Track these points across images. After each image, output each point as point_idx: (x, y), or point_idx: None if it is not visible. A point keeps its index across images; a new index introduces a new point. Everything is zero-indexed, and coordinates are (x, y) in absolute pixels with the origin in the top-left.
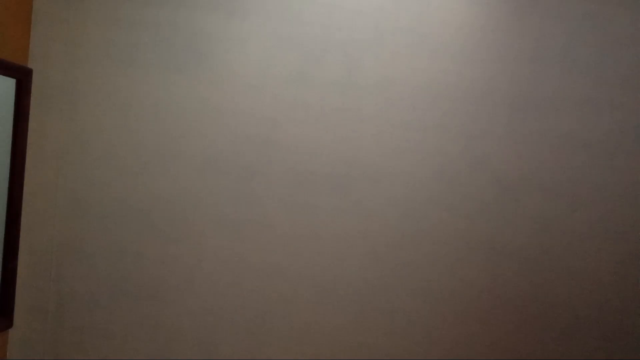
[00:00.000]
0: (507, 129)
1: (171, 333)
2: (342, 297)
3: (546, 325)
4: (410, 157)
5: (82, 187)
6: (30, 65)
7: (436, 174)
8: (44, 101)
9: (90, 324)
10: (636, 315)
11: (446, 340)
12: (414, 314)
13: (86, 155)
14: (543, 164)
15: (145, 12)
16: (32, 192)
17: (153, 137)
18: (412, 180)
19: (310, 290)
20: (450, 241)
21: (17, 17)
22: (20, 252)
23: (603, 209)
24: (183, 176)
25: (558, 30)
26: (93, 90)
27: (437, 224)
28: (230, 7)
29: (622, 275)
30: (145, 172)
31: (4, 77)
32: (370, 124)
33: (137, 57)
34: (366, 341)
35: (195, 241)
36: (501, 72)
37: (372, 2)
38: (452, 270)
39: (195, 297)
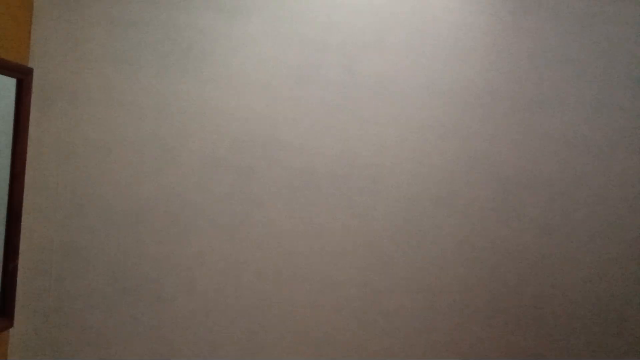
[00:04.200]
0: (508, 128)
1: (171, 333)
2: (342, 297)
3: (546, 325)
4: (411, 156)
5: (83, 187)
6: (30, 64)
7: (436, 174)
8: (44, 101)
9: (90, 324)
10: (636, 315)
11: (446, 340)
12: (414, 313)
13: (87, 155)
14: (543, 163)
15: (145, 11)
16: (33, 191)
17: (153, 136)
18: (412, 180)
19: (310, 290)
20: (450, 241)
21: (17, 16)
22: (21, 252)
23: (603, 209)
24: (183, 176)
25: (559, 30)
26: (93, 90)
27: (438, 224)
28: (230, 7)
29: (622, 275)
30: (146, 171)
31: (5, 76)
32: (371, 123)
33: (137, 57)
34: (366, 341)
35: (196, 241)
36: (501, 71)
37: (372, 2)
38: (452, 270)
39: (195, 297)
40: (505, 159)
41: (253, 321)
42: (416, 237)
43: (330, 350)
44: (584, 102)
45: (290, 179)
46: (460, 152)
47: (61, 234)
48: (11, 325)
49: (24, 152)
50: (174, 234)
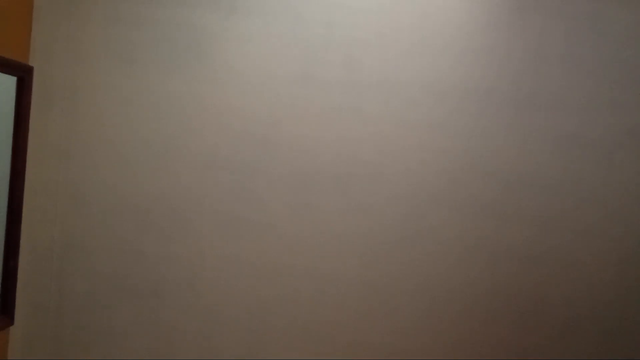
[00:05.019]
0: (508, 128)
1: (172, 331)
2: (343, 296)
3: (547, 325)
4: (412, 156)
5: (83, 185)
6: (31, 62)
7: (437, 173)
8: (45, 99)
9: (91, 322)
10: (636, 315)
11: (447, 339)
12: (414, 313)
13: (87, 153)
14: (544, 163)
15: (146, 10)
16: (33, 189)
17: (154, 135)
18: (414, 180)
19: (310, 289)
20: (451, 240)
21: (18, 14)
22: (22, 250)
23: (603, 209)
24: (184, 174)
25: (560, 29)
26: (94, 88)
27: (439, 223)
28: (231, 6)
29: (622, 274)
30: (147, 170)
31: (5, 74)
32: (372, 123)
33: (138, 55)
34: (367, 340)
35: (196, 239)
36: (502, 71)
37: (373, 1)
38: (453, 269)
39: (195, 296)
40: (505, 158)
41: (254, 320)
42: (416, 235)
43: (331, 348)
44: (585, 102)
45: (290, 178)
46: (460, 151)
47: (61, 233)
48: (11, 323)
49: (24, 150)
50: (174, 233)
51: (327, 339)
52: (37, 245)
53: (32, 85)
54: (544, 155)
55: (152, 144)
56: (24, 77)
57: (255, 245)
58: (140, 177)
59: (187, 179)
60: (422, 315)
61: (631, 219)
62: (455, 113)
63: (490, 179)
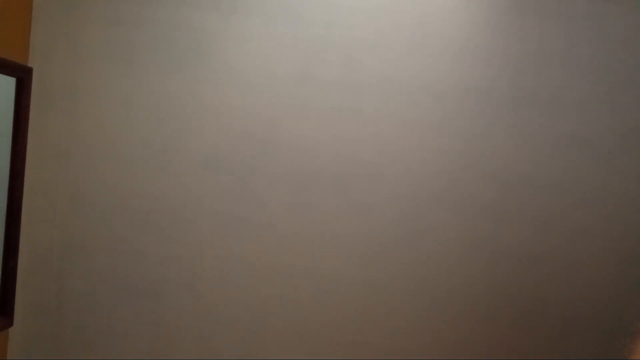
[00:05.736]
0: (508, 128)
1: (172, 331)
2: (343, 296)
3: (546, 325)
4: (411, 156)
5: (83, 186)
6: (30, 63)
7: (437, 174)
8: (44, 100)
9: (90, 323)
10: (636, 315)
11: (446, 339)
12: (413, 313)
13: (87, 154)
14: (543, 163)
15: (145, 10)
16: (33, 190)
17: (153, 135)
18: (413, 180)
19: (310, 289)
20: (450, 240)
21: (17, 15)
22: (21, 251)
23: (603, 209)
24: (184, 175)
25: (559, 29)
26: (93, 89)
27: (438, 224)
28: (230, 6)
29: (622, 274)
30: (146, 170)
31: (4, 75)
32: (371, 123)
33: (137, 56)
34: (366, 340)
35: (196, 240)
36: (502, 71)
37: (372, 1)
38: (452, 269)
39: (195, 296)
40: (505, 158)
41: (253, 320)
42: (416, 235)
43: (331, 348)
44: (584, 102)
45: (290, 178)
46: (459, 152)
47: (61, 233)
48: (10, 324)
49: (24, 151)
50: (174, 233)
51: (327, 339)
52: (37, 246)
53: (31, 86)
54: (544, 155)
55: (152, 144)
56: (23, 78)
57: (255, 245)
58: (140, 177)
59: (187, 179)
60: (422, 315)
61: (631, 219)
62: (455, 113)
63: (490, 179)
